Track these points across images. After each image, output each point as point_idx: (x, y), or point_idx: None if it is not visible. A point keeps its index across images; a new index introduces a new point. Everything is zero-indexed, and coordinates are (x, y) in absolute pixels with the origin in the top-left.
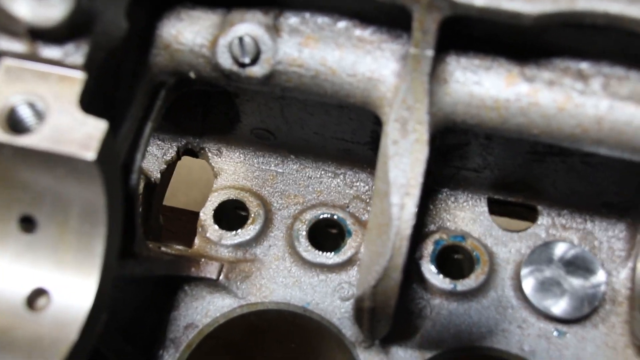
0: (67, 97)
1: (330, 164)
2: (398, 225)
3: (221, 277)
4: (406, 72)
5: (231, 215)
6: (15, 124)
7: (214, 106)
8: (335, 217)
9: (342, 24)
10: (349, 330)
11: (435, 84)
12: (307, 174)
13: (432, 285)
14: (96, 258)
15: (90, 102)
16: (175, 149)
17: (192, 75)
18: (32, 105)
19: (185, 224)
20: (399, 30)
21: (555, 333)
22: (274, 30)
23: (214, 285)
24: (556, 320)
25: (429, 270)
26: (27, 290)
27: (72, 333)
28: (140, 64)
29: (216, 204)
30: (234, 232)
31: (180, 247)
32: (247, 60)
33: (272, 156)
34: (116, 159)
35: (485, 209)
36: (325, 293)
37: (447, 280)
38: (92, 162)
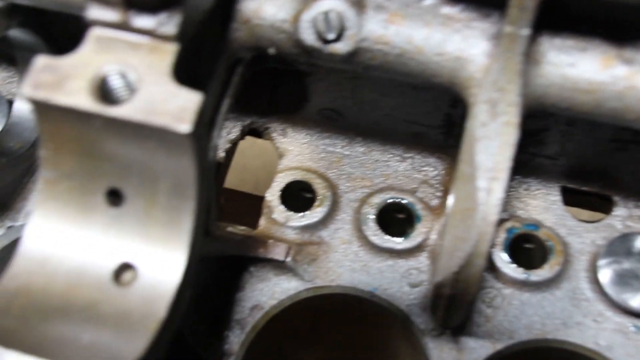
0: (159, 68)
1: (398, 147)
2: (484, 211)
3: (288, 259)
4: (499, 51)
5: (296, 196)
6: (106, 95)
7: (281, 85)
8: (404, 201)
9: (429, 1)
10: (417, 317)
11: (528, 65)
12: (374, 157)
13: (503, 274)
14: (184, 233)
15: (179, 75)
16: (240, 128)
17: (271, 51)
18: (123, 76)
19: (236, 205)
20: (489, 8)
21: (632, 328)
22: (359, 5)
23: (280, 267)
24: (634, 315)
25: (501, 259)
26: (113, 264)
27: (160, 309)
28: (220, 39)
29: (283, 185)
30: (301, 214)
31: (243, 228)
32: (331, 36)
33: (338, 138)
34: (206, 133)
35: (559, 197)
36: (394, 279)
37: (520, 270)
38: (185, 134)
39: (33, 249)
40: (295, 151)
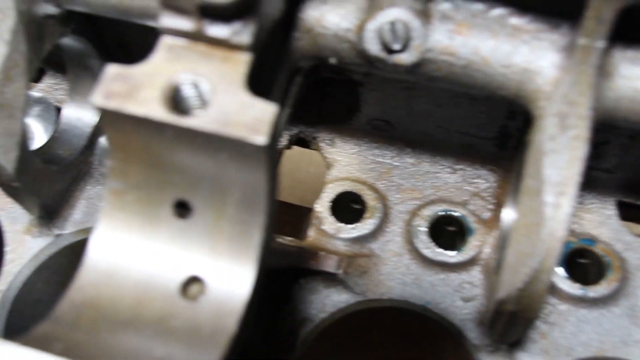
0: (232, 78)
1: (449, 158)
2: (551, 226)
3: (339, 272)
4: (571, 64)
5: (344, 207)
6: (179, 104)
7: (332, 95)
8: (456, 214)
9: (496, 12)
10: (471, 332)
11: (600, 78)
12: (423, 169)
13: (559, 290)
14: (253, 247)
15: (251, 85)
16: (288, 137)
17: (333, 61)
18: (195, 86)
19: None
20: (559, 19)
21: None
22: (424, 15)
23: (330, 279)
24: None
25: (557, 275)
26: (181, 277)
27: (231, 324)
28: (282, 48)
29: (333, 196)
30: (352, 226)
31: (291, 239)
32: (397, 46)
33: (387, 148)
34: (277, 145)
35: (615, 211)
36: (446, 293)
37: (577, 285)
38: (261, 146)
39: (99, 260)
40: (344, 161)
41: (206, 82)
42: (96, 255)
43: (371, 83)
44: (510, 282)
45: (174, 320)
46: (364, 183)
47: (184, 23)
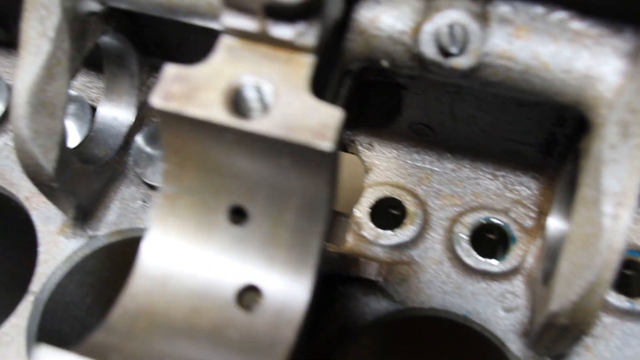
0: (295, 80)
1: (489, 164)
2: (610, 238)
3: (380, 279)
4: (636, 71)
5: (382, 213)
6: (240, 107)
7: (373, 97)
8: (499, 222)
9: (557, 15)
10: (513, 343)
11: None
12: (464, 174)
13: (605, 302)
14: (311, 256)
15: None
16: None
17: (385, 63)
18: (258, 88)
19: None
20: (621, 24)
21: None
22: (483, 18)
23: (369, 286)
24: None
25: None
26: (237, 286)
27: (288, 335)
28: (336, 50)
29: (372, 201)
30: (391, 232)
31: (331, 245)
32: (455, 50)
33: (427, 153)
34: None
35: None
36: (487, 302)
37: (624, 298)
38: (326, 152)
39: (152, 267)
40: (382, 166)
41: (269, 85)
42: (149, 262)
43: (416, 86)
44: (564, 295)
45: (230, 329)
46: (403, 188)
47: (247, 23)
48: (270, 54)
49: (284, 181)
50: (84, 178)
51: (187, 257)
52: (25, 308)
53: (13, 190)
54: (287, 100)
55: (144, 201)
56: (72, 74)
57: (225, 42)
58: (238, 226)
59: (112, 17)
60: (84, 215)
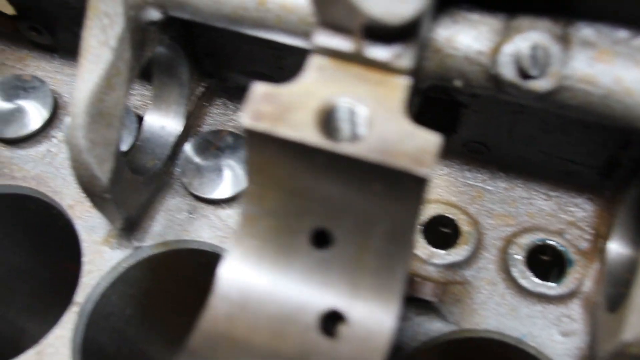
0: (391, 103)
1: (543, 184)
2: None
3: (435, 299)
4: None
5: (433, 231)
6: (332, 129)
7: (428, 114)
8: (556, 244)
9: None
10: None
11: None
12: (516, 194)
13: None
14: (396, 282)
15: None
16: None
17: (458, 83)
18: (352, 110)
19: None
20: None
21: None
22: (564, 41)
23: (423, 306)
24: None
25: None
26: (319, 311)
27: None
28: None
29: (425, 219)
30: (445, 251)
31: None
32: (535, 72)
33: (479, 171)
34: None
35: None
36: (543, 325)
37: None
38: (423, 179)
39: (231, 290)
40: (434, 183)
41: (363, 107)
42: (228, 284)
43: (476, 105)
44: (638, 325)
45: (314, 357)
46: (455, 206)
47: (343, 43)
48: (362, 74)
49: (372, 205)
50: (135, 189)
51: (267, 280)
52: (70, 319)
53: (56, 198)
54: (383, 124)
55: (190, 213)
56: (130, 84)
57: (316, 62)
58: (321, 250)
59: (170, 27)
60: (130, 225)
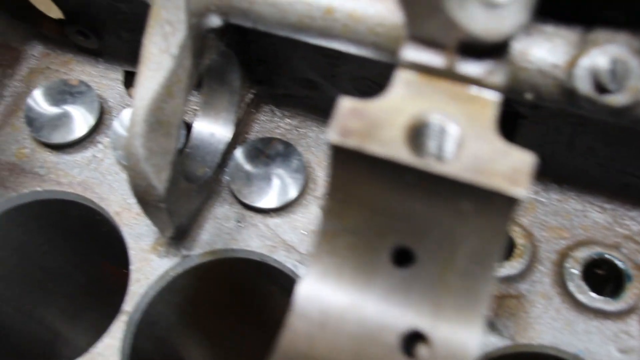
0: (482, 121)
1: (598, 197)
2: None
3: (490, 313)
4: None
5: None
6: (420, 146)
7: None
8: (613, 258)
9: None
10: None
11: None
12: (570, 206)
13: None
14: (481, 303)
15: None
16: None
17: (529, 96)
18: (442, 127)
19: None
20: None
21: None
22: None
23: None
24: None
25: None
26: (401, 331)
27: None
28: None
29: None
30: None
31: None
32: (614, 86)
33: (532, 183)
34: None
35: None
36: (600, 342)
37: None
38: (517, 199)
39: (310, 308)
40: None
41: (454, 124)
42: (306, 303)
43: (536, 116)
44: None
45: None
46: None
47: (434, 58)
48: (452, 90)
49: (459, 225)
50: (187, 197)
51: (347, 299)
52: (119, 328)
53: (103, 204)
54: (475, 142)
55: (238, 221)
56: (189, 93)
57: (403, 77)
58: (402, 268)
59: (227, 34)
60: (179, 234)
